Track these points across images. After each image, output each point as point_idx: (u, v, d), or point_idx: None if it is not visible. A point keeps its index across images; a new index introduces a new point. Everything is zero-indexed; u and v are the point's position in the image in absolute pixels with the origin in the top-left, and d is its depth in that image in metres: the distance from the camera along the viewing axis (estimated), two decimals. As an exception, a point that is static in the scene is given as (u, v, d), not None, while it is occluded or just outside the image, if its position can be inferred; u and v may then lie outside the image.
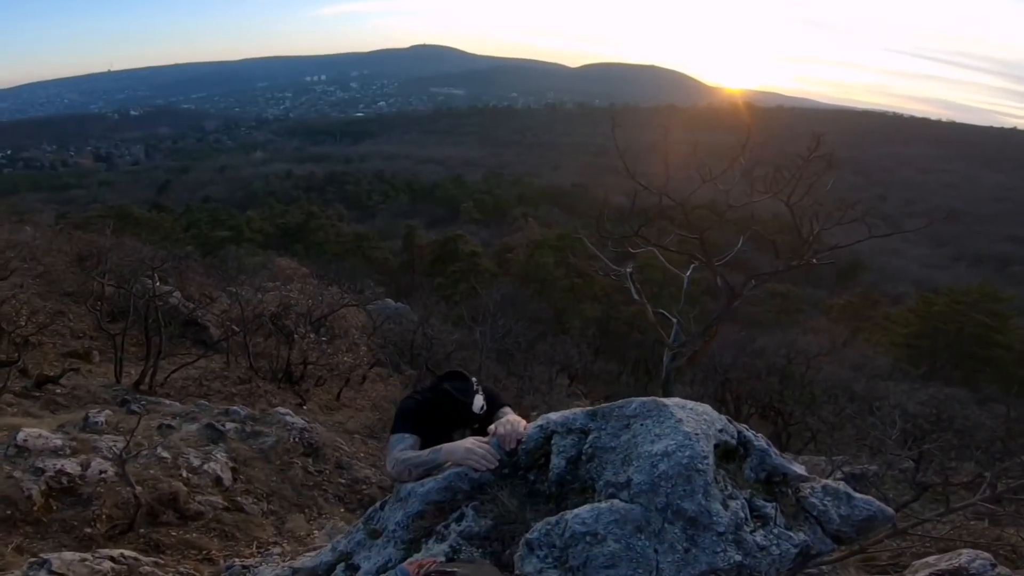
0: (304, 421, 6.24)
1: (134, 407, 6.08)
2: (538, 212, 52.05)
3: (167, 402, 6.73)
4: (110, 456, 4.41)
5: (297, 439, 5.77)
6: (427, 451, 2.18)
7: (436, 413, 2.29)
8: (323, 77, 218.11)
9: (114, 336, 7.92)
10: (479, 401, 2.29)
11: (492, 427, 2.15)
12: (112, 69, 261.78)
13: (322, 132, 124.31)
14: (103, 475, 4.26)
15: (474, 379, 2.37)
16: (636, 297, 6.80)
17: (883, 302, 31.29)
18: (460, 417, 2.27)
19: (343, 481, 5.52)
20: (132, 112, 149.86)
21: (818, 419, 12.09)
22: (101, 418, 5.43)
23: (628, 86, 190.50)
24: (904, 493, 6.63)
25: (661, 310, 6.95)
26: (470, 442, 2.12)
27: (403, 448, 2.22)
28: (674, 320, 6.52)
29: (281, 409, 6.54)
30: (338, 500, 5.16)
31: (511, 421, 2.15)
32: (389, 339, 14.14)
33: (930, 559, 1.86)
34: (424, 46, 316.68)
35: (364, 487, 5.46)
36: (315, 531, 4.60)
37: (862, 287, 33.43)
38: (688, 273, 6.83)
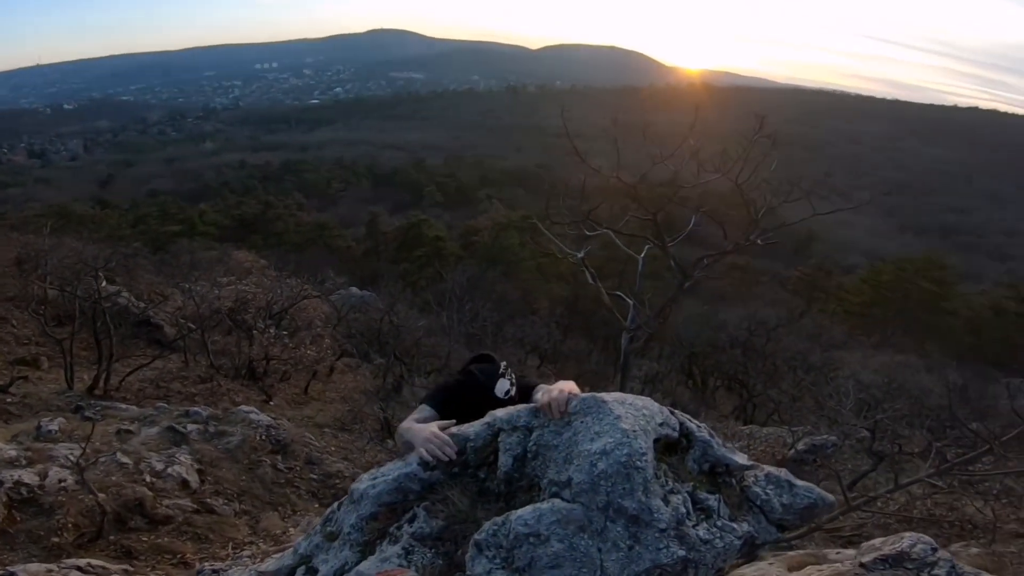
0: (270, 418, 6.09)
1: (88, 413, 5.83)
2: (502, 194, 51.88)
3: (123, 406, 6.45)
4: (67, 464, 4.26)
5: (264, 436, 5.63)
6: (414, 427, 2.13)
7: (463, 396, 2.22)
8: (275, 64, 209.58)
9: (61, 341, 7.53)
10: (504, 385, 2.20)
11: (538, 396, 2.05)
12: (41, 63, 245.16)
13: (276, 120, 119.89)
14: (63, 484, 4.13)
15: (503, 363, 2.28)
16: (591, 281, 6.84)
17: (836, 273, 32.57)
18: (483, 400, 2.17)
19: (315, 477, 5.44)
20: (66, 106, 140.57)
21: (779, 390, 12.54)
22: (54, 426, 5.22)
23: (589, 67, 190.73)
24: (863, 463, 6.94)
25: (618, 292, 7.01)
26: (432, 429, 2.06)
27: (416, 418, 2.18)
28: (630, 302, 6.59)
29: (245, 407, 6.35)
30: (312, 496, 5.09)
31: (556, 387, 2.03)
32: (355, 329, 13.90)
33: (876, 542, 1.94)
34: (381, 30, 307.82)
35: (337, 481, 5.38)
36: (291, 528, 4.54)
37: (816, 259, 34.69)
38: (642, 255, 6.88)
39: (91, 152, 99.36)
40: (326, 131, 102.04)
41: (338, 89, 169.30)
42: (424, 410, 2.21)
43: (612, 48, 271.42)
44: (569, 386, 2.04)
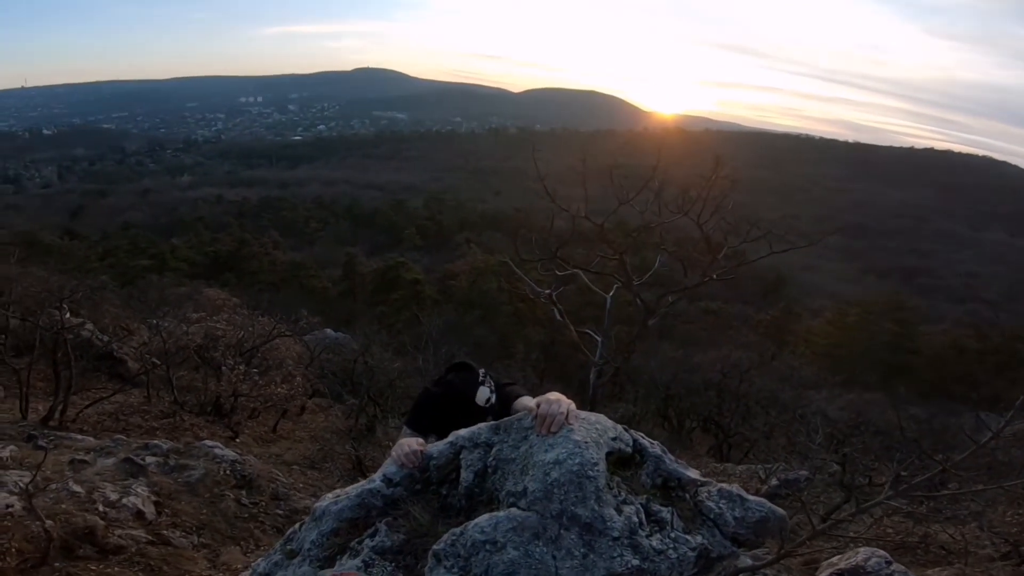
0: (235, 453, 5.93)
1: (42, 442, 5.65)
2: (481, 238, 52.22)
3: (79, 437, 6.24)
4: (16, 491, 4.13)
5: (228, 471, 5.46)
6: (400, 441, 2.23)
7: (441, 408, 2.25)
8: (259, 99, 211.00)
9: (19, 371, 7.29)
10: (484, 393, 2.22)
11: (533, 403, 2.01)
12: (26, 85, 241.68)
13: (257, 155, 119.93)
14: (9, 509, 4.02)
15: (481, 370, 2.30)
16: (559, 318, 6.97)
17: (804, 315, 33.39)
18: (465, 410, 2.19)
19: (280, 512, 5.27)
20: (45, 131, 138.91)
21: (752, 428, 12.64)
22: (6, 453, 5.06)
23: (569, 111, 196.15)
24: (836, 496, 7.02)
25: (588, 330, 7.13)
26: (408, 440, 2.16)
27: (400, 441, 2.26)
28: (599, 339, 6.71)
29: (209, 442, 6.17)
30: (276, 531, 4.91)
31: (553, 398, 1.97)
32: (328, 369, 13.66)
33: (834, 559, 1.99)
34: (368, 69, 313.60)
35: (304, 517, 5.20)
36: (253, 563, 4.38)
37: (785, 302, 35.59)
38: (611, 293, 7.04)
39: (65, 180, 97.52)
40: (307, 168, 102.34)
41: (321, 127, 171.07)
42: (405, 433, 2.30)
43: (592, 92, 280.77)
44: (563, 399, 1.99)
